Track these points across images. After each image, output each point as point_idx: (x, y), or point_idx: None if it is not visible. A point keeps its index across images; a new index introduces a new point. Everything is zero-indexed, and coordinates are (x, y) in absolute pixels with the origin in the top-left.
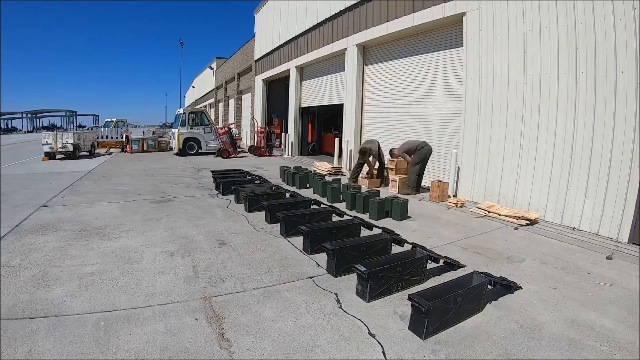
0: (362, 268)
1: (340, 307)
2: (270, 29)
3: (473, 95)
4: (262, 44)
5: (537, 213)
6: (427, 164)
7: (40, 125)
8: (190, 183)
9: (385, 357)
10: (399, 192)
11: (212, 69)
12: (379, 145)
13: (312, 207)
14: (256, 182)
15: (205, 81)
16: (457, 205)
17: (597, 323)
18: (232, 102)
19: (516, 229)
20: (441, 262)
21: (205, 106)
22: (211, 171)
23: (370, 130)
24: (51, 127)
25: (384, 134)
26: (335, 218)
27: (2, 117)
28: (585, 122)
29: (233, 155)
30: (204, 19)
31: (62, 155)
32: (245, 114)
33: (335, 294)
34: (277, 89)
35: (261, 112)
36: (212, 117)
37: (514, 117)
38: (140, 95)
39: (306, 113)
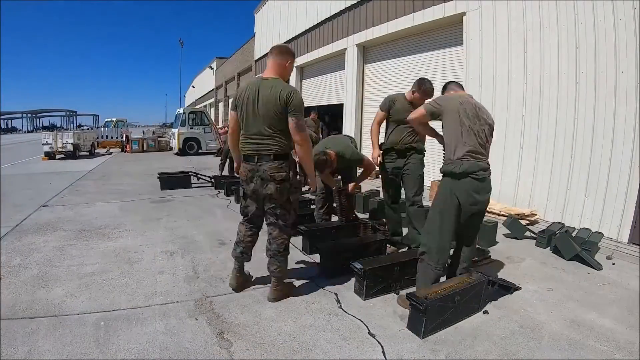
0: (358, 266)
1: (340, 306)
2: (270, 29)
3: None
4: (262, 44)
5: (537, 213)
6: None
7: (40, 125)
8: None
9: (385, 357)
10: None
11: (212, 69)
12: None
13: (311, 207)
14: None
15: (205, 81)
16: None
17: (597, 323)
18: (232, 102)
19: None
20: None
21: (205, 106)
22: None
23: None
24: (51, 127)
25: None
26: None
27: (2, 117)
28: (586, 121)
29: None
30: (204, 19)
31: (62, 155)
32: None
33: (335, 294)
34: None
35: None
36: (212, 117)
37: (514, 117)
38: (140, 95)
39: (306, 113)
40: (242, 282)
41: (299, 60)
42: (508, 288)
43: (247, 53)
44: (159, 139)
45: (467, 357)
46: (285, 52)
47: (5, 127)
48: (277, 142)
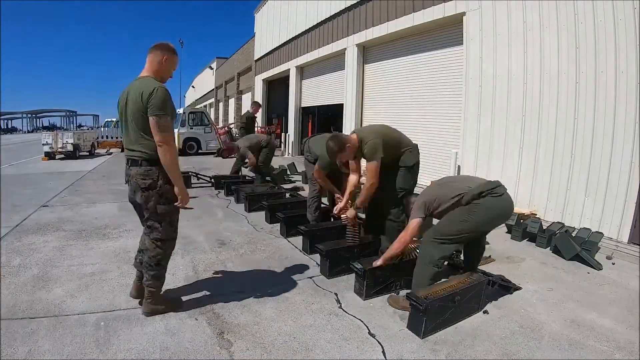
0: (358, 266)
1: (340, 307)
2: (270, 28)
3: (474, 95)
4: (262, 43)
5: (537, 213)
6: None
7: (40, 125)
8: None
9: (385, 357)
10: None
11: (212, 69)
12: None
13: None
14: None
15: (205, 81)
16: None
17: (597, 323)
18: (232, 102)
19: None
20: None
21: (205, 106)
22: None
23: None
24: (51, 127)
25: None
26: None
27: (2, 117)
28: (586, 121)
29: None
30: (204, 19)
31: (62, 155)
32: None
33: (335, 294)
34: (277, 89)
35: (261, 112)
36: (212, 117)
37: (514, 117)
38: None
39: (306, 113)
40: (143, 291)
41: (299, 60)
42: (508, 288)
43: (247, 53)
44: None
45: (467, 357)
46: (159, 47)
47: (5, 127)
48: (145, 147)
